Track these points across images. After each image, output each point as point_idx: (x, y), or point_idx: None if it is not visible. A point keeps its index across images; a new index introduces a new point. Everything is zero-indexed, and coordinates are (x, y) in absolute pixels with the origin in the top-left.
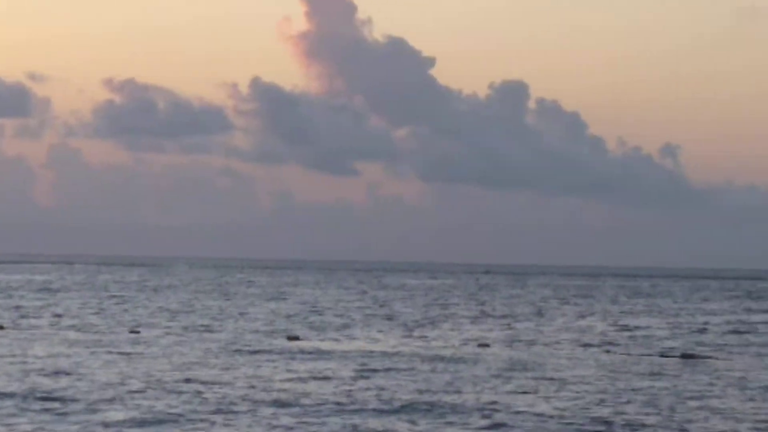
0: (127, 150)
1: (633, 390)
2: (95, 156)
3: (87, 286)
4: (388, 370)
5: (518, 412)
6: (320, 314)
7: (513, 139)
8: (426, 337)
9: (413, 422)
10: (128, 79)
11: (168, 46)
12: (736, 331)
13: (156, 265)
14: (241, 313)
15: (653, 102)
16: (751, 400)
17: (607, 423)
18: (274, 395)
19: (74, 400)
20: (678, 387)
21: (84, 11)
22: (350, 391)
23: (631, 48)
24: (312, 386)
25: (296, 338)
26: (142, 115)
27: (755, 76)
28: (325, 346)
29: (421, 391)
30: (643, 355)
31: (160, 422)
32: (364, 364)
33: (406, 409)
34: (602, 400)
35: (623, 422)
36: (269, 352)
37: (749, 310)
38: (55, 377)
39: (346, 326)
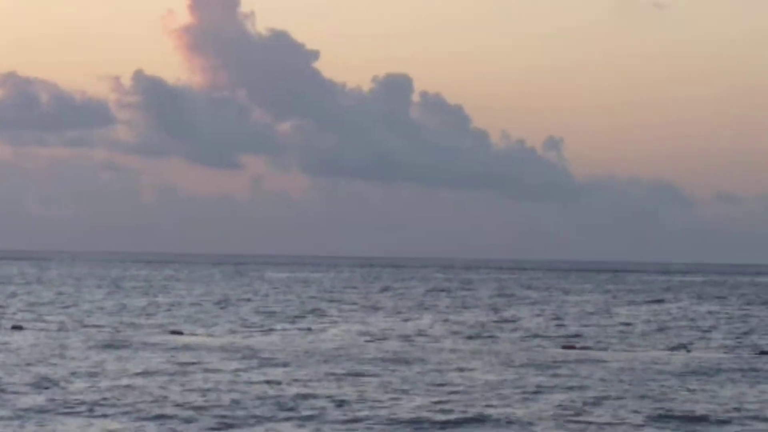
0: (9, 144)
1: (516, 382)
2: None
3: None
4: (271, 362)
5: (393, 406)
6: (203, 308)
7: (397, 133)
8: (310, 330)
9: (289, 413)
10: (10, 72)
11: (50, 38)
12: (616, 323)
13: (38, 258)
14: (122, 307)
15: (536, 95)
16: (632, 388)
17: (485, 416)
18: (157, 390)
19: None
20: (560, 378)
21: None
22: (234, 386)
23: (513, 41)
24: (197, 379)
25: (179, 333)
26: (24, 109)
27: (635, 67)
28: (208, 340)
29: (304, 386)
30: (526, 347)
31: (30, 418)
32: (246, 358)
33: (281, 404)
34: (484, 393)
35: (504, 414)
36: (152, 345)
37: (631, 303)
38: None
39: (229, 320)
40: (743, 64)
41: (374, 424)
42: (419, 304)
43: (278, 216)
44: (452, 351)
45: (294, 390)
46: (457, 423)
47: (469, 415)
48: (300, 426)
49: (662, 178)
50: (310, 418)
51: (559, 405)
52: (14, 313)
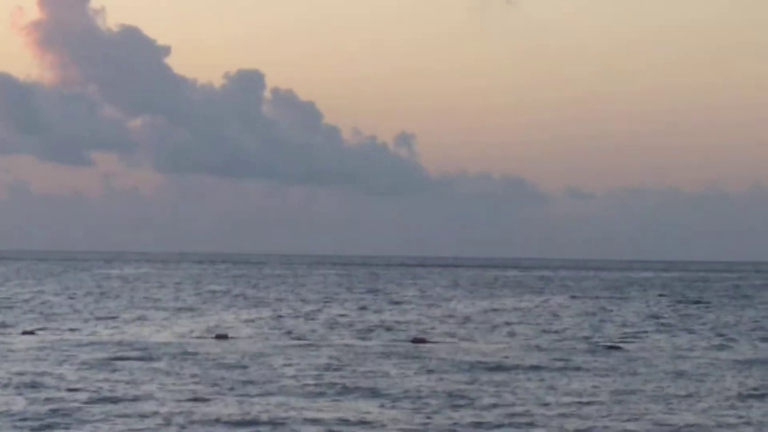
0: None
1: (353, 379)
2: None
3: None
4: (109, 360)
5: (215, 406)
6: (50, 306)
7: (249, 129)
8: (160, 327)
9: (121, 411)
10: None
11: None
12: (465, 318)
13: None
14: None
15: (387, 91)
16: (475, 386)
17: (314, 418)
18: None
19: None
20: (408, 370)
21: None
22: (66, 384)
23: (366, 37)
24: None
25: (31, 332)
26: None
27: (487, 66)
28: (55, 336)
29: (147, 385)
30: (378, 342)
31: None
32: (79, 355)
33: (113, 402)
34: (328, 391)
35: (315, 415)
36: None
37: (473, 297)
38: None
39: (70, 318)
40: (591, 64)
41: (189, 424)
42: (266, 300)
43: (129, 213)
44: (277, 348)
45: (122, 390)
46: (276, 424)
47: (286, 416)
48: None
49: (514, 174)
50: (136, 415)
51: (397, 398)
52: None
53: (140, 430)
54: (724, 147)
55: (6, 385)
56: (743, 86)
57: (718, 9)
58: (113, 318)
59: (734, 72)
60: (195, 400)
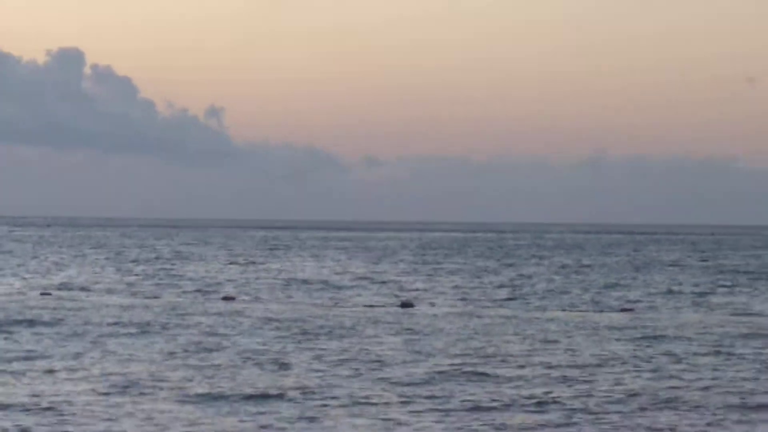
0: None
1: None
2: None
3: None
4: None
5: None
6: None
7: (71, 104)
8: None
9: None
10: None
11: None
12: (275, 277)
13: None
14: None
15: (199, 66)
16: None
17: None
18: None
19: None
20: (211, 329)
21: None
22: None
23: (180, 17)
24: None
25: None
26: None
27: (291, 44)
28: None
29: None
30: (190, 301)
31: None
32: None
33: None
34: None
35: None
36: None
37: (285, 257)
38: None
39: None
40: (384, 38)
41: None
42: (83, 259)
43: None
44: (96, 306)
45: None
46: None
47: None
48: None
49: (314, 144)
50: None
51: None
52: None
53: None
54: (511, 119)
55: None
56: (526, 60)
57: None
58: None
59: (521, 46)
60: None
